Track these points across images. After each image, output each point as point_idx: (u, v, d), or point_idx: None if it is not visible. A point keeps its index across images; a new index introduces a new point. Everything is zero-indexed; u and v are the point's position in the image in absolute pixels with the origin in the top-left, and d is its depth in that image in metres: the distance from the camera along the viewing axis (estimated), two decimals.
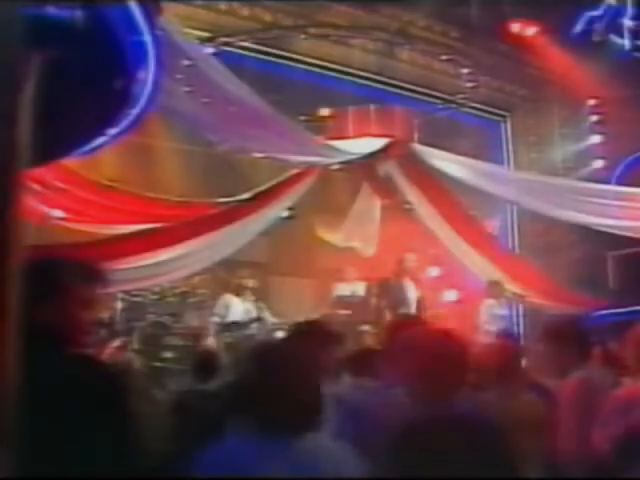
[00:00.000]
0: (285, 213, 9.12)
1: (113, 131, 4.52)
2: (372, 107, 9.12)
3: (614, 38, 8.90)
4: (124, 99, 4.00)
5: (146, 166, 9.10)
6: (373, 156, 8.50)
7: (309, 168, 8.39)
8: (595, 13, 8.93)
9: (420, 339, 2.69)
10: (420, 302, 8.84)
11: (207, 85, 6.08)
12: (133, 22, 3.58)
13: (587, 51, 9.21)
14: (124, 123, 4.46)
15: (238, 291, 8.68)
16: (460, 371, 2.54)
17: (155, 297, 8.43)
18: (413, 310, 8.56)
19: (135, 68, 3.86)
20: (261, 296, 9.16)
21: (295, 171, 8.57)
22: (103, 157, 8.08)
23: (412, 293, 8.76)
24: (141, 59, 3.87)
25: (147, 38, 3.76)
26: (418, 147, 8.77)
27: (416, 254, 9.31)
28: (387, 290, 8.73)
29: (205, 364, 5.10)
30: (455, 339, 2.63)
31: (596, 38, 8.99)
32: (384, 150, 8.64)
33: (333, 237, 10.18)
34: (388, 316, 8.25)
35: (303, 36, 8.96)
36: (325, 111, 9.70)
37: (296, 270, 10.62)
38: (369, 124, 8.95)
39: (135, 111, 4.42)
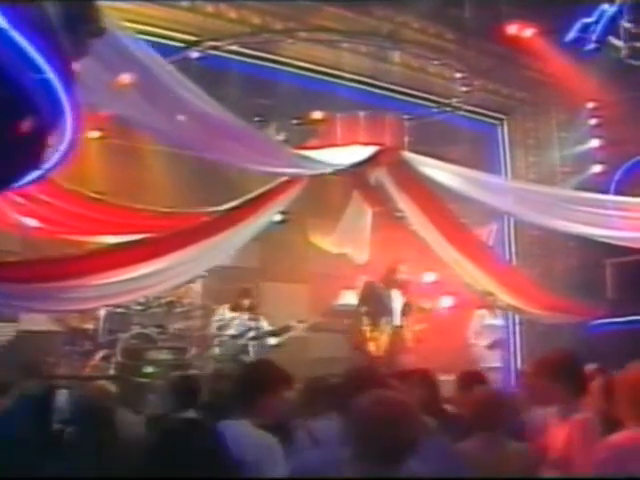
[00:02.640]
0: (278, 217, 8.98)
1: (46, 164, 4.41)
2: (363, 112, 8.91)
3: (612, 40, 8.61)
4: (41, 136, 3.87)
5: (133, 174, 8.96)
6: (360, 165, 8.26)
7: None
8: (593, 15, 8.64)
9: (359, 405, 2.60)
10: (406, 311, 8.74)
11: (169, 97, 5.84)
12: (30, 62, 3.43)
13: (585, 53, 8.94)
14: (55, 157, 4.36)
15: (235, 307, 8.65)
16: (394, 440, 2.47)
17: (140, 307, 8.31)
18: (396, 319, 8.49)
19: (45, 106, 3.71)
20: (254, 303, 9.08)
21: (284, 178, 8.38)
22: (90, 169, 7.98)
23: (398, 302, 8.64)
24: (49, 96, 3.71)
25: (51, 75, 3.60)
26: (409, 155, 8.53)
27: (408, 262, 9.15)
28: (370, 296, 8.64)
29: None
30: (394, 407, 2.54)
31: (594, 40, 8.71)
32: (374, 158, 8.41)
33: (325, 243, 10.04)
34: (367, 323, 8.21)
35: (290, 40, 8.71)
36: (317, 114, 9.50)
37: (288, 275, 10.51)
38: (359, 131, 8.74)
39: (61, 143, 4.30)
